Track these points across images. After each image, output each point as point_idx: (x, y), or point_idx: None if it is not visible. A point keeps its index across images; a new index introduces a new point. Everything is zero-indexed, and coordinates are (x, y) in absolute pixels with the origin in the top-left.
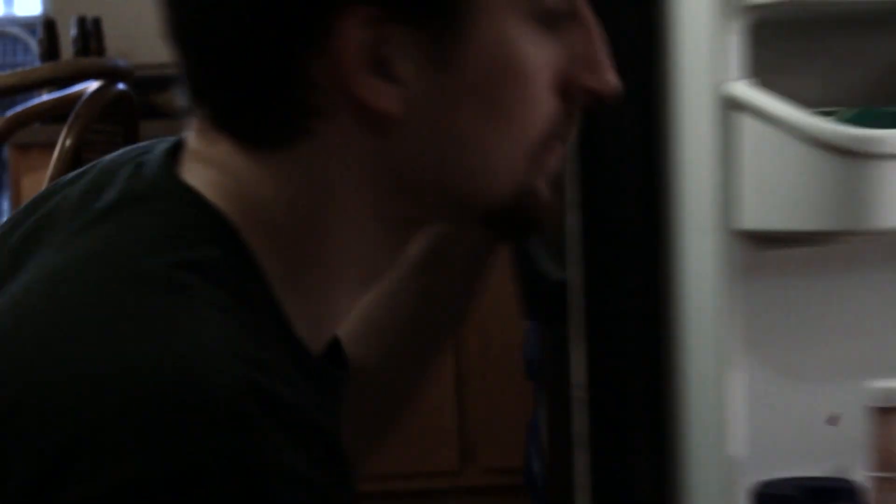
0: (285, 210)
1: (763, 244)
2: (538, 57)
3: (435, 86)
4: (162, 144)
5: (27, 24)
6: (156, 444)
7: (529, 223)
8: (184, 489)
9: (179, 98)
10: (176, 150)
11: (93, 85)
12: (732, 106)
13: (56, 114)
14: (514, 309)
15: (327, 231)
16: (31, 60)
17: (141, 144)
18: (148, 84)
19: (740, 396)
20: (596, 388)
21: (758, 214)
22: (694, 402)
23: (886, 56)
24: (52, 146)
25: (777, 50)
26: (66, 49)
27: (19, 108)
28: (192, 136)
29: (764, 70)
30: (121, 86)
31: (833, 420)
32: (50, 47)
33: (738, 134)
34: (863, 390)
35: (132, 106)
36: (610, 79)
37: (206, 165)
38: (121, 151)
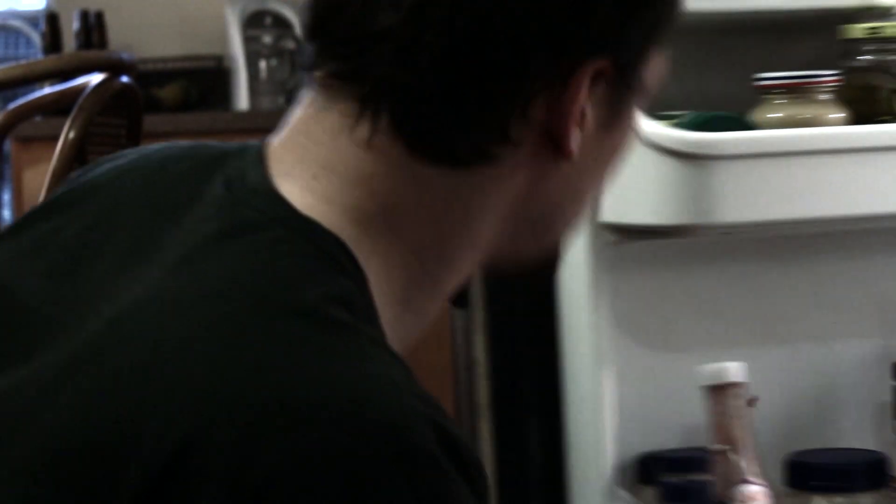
0: (424, 228)
1: (627, 237)
2: None
3: (596, 141)
4: (246, 150)
5: (30, 17)
6: (356, 484)
7: (553, 264)
8: None
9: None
10: (262, 156)
11: (96, 78)
12: None
13: (59, 107)
14: None
15: (452, 255)
16: (34, 54)
17: (208, 144)
18: (150, 78)
19: (612, 375)
20: (495, 364)
21: (616, 209)
22: (574, 381)
23: (742, 62)
24: (54, 139)
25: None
26: (69, 43)
27: (21, 101)
28: (314, 138)
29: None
30: (124, 79)
31: (752, 401)
32: (53, 41)
33: None
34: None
35: (136, 99)
36: None
37: (335, 178)
38: (182, 147)
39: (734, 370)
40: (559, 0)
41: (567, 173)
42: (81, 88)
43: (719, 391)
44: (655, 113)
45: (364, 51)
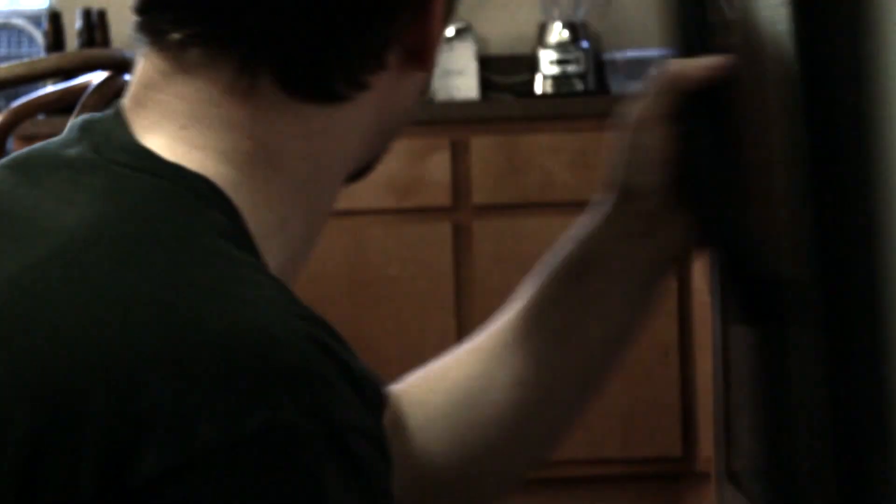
0: (299, 160)
1: None
2: None
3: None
4: (107, 115)
5: (32, 16)
6: (242, 402)
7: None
8: (272, 447)
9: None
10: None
11: (99, 76)
12: None
13: (61, 105)
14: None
15: (330, 178)
16: (37, 52)
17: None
18: None
19: None
20: (834, 410)
21: None
22: None
23: None
24: None
25: None
26: (71, 41)
27: (24, 100)
28: (173, 91)
29: None
30: (127, 77)
31: None
32: (55, 39)
33: None
34: None
35: None
36: None
37: (203, 126)
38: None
39: None
40: None
41: (417, 80)
42: (84, 87)
43: None
44: None
45: (226, 11)
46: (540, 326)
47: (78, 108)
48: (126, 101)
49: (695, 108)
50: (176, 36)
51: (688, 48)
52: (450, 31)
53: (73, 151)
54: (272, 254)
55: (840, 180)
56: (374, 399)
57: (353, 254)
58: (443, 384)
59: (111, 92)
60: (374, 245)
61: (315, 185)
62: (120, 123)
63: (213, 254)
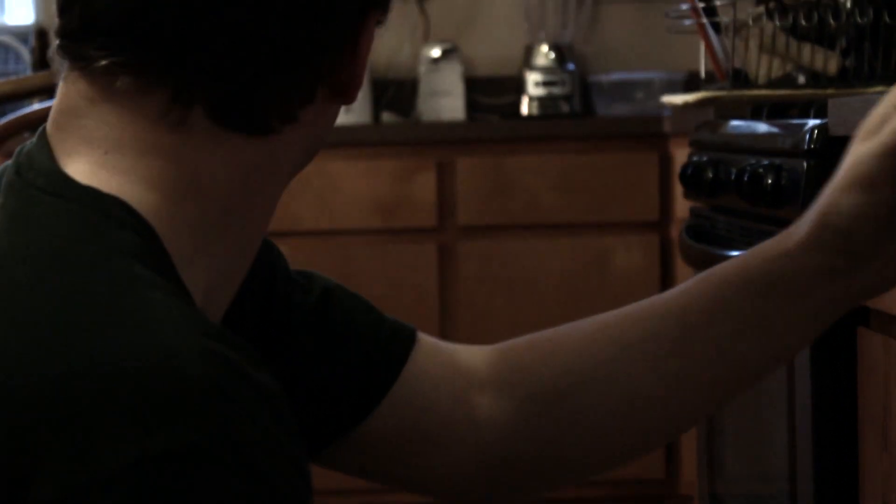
0: (227, 187)
1: None
2: None
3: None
4: (36, 138)
5: (19, 32)
6: (143, 426)
7: None
8: (176, 466)
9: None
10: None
11: None
12: None
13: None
14: None
15: (258, 209)
16: (23, 69)
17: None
18: None
19: None
20: None
21: None
22: None
23: None
24: None
25: None
26: None
27: (10, 117)
28: (96, 116)
29: None
30: None
31: None
32: (42, 56)
33: None
34: None
35: None
36: None
37: (130, 153)
38: None
39: None
40: None
41: (337, 109)
42: None
43: None
44: None
45: (160, 42)
46: (700, 330)
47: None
48: (49, 125)
49: None
50: (104, 63)
51: None
52: (436, 52)
53: (5, 176)
54: (196, 279)
55: None
56: (286, 414)
57: (338, 273)
58: (560, 359)
59: None
60: (359, 265)
61: (241, 214)
62: (42, 147)
63: (114, 274)
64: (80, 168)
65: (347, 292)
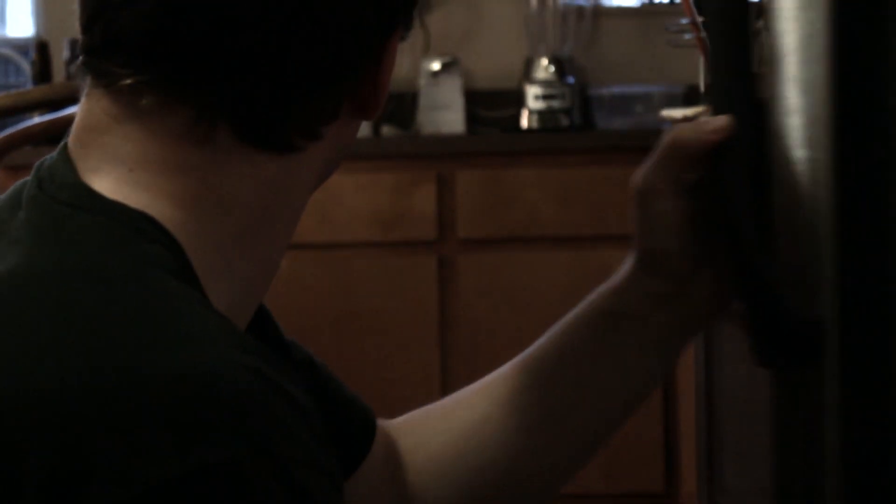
0: (257, 206)
1: None
2: None
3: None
4: (55, 154)
5: (19, 45)
6: (185, 441)
7: None
8: (218, 482)
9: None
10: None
11: None
12: None
13: (48, 136)
14: None
15: (282, 221)
16: (24, 82)
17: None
18: None
19: None
20: (853, 438)
21: None
22: None
23: None
24: None
25: None
26: (59, 71)
27: (11, 131)
28: (122, 134)
29: None
30: None
31: None
32: (42, 69)
33: None
34: None
35: None
36: None
37: (154, 169)
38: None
39: None
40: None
41: (357, 124)
42: (71, 118)
43: None
44: None
45: (184, 59)
46: (556, 376)
47: (65, 139)
48: (71, 141)
49: (716, 163)
50: (128, 81)
51: (727, 98)
52: (436, 66)
53: (24, 191)
54: (219, 296)
55: (862, 221)
56: (320, 429)
57: (338, 286)
58: (445, 424)
59: None
60: (359, 277)
61: (265, 230)
62: (64, 163)
63: (149, 288)
64: (105, 184)
65: (324, 364)
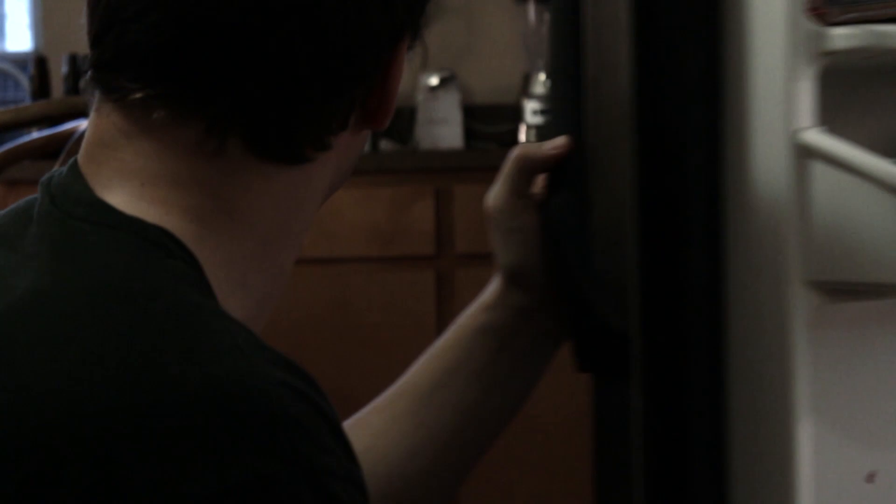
0: (261, 218)
1: (836, 296)
2: None
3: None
4: (64, 170)
5: (18, 60)
6: (222, 457)
7: None
8: (257, 497)
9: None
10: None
11: (84, 123)
12: (805, 153)
13: (47, 151)
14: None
15: (295, 235)
16: (22, 97)
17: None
18: None
19: (806, 454)
20: (654, 445)
21: (830, 265)
22: (759, 462)
23: None
24: None
25: (849, 96)
26: (57, 86)
27: (9, 146)
28: (133, 149)
29: (835, 116)
30: None
31: (870, 478)
32: (41, 84)
33: (810, 182)
34: None
35: None
36: None
37: (165, 184)
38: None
39: None
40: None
41: (366, 134)
42: (70, 133)
43: None
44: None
45: (194, 73)
46: (431, 399)
47: (63, 154)
48: (81, 157)
49: (551, 182)
50: (139, 95)
51: (563, 110)
52: (434, 80)
53: (34, 207)
54: (234, 309)
55: (670, 241)
56: (348, 441)
57: (336, 301)
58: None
59: None
60: (357, 292)
61: (278, 242)
62: (76, 178)
63: (178, 303)
64: (118, 200)
65: None
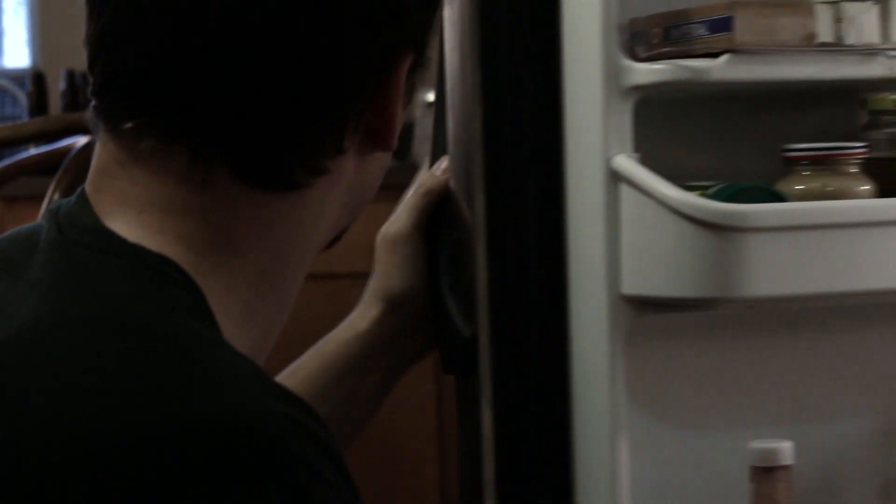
0: (258, 248)
1: (646, 309)
2: None
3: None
4: (72, 199)
5: (16, 76)
6: (224, 490)
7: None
8: None
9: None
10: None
11: (81, 140)
12: (615, 178)
13: (44, 167)
14: None
15: (295, 265)
16: (20, 112)
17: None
18: None
19: (626, 450)
20: (501, 440)
21: (637, 281)
22: (588, 457)
23: (761, 133)
24: (39, 198)
25: (661, 126)
26: (55, 102)
27: (7, 162)
28: (129, 177)
29: (652, 145)
30: None
31: None
32: (39, 100)
33: (620, 205)
34: (744, 450)
35: None
36: None
37: (160, 212)
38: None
39: (786, 451)
40: (366, 5)
41: (380, 158)
42: (67, 150)
43: (768, 473)
44: (683, 183)
45: (177, 101)
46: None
47: (60, 171)
48: (87, 186)
49: (434, 214)
50: (129, 125)
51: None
52: (431, 97)
53: (39, 235)
54: (235, 338)
55: (509, 254)
56: (349, 472)
57: (331, 317)
58: None
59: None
60: (353, 308)
61: (278, 270)
62: (83, 206)
63: (179, 335)
64: (119, 228)
65: None
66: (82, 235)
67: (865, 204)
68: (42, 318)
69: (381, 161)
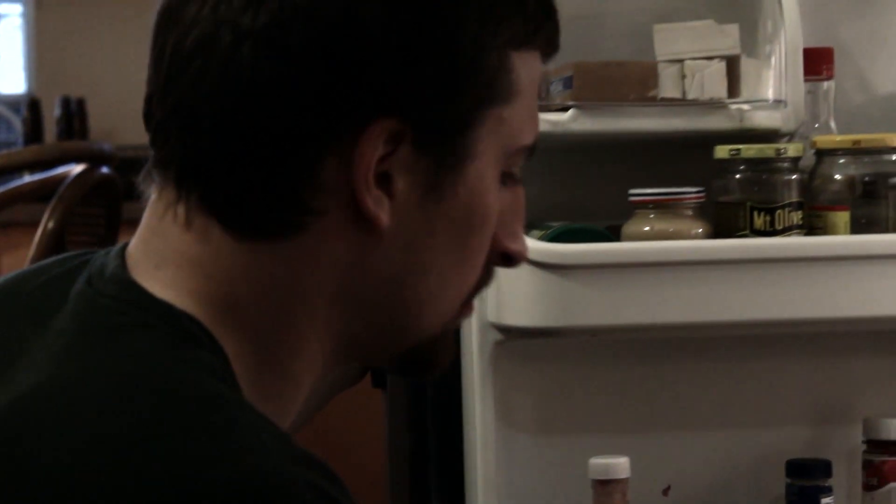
0: (258, 307)
1: (510, 335)
2: (497, 211)
3: (420, 210)
4: (112, 249)
5: (11, 102)
6: None
7: (432, 365)
8: None
9: (143, 183)
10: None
11: (76, 168)
12: None
13: (39, 195)
14: None
15: (296, 340)
16: (15, 138)
17: (85, 252)
18: (131, 164)
19: (498, 464)
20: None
21: (499, 311)
22: (471, 468)
23: (623, 177)
24: (34, 225)
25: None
26: (50, 128)
27: (1, 189)
28: (151, 230)
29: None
30: (104, 169)
31: (666, 491)
32: (34, 126)
33: None
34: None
35: (116, 189)
36: (524, 248)
37: (172, 266)
38: (58, 258)
39: (621, 466)
40: (329, 60)
41: (393, 246)
42: (62, 178)
43: (606, 486)
44: (538, 224)
45: (165, 135)
46: None
47: (55, 198)
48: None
49: None
50: (141, 176)
51: None
52: None
53: (72, 286)
54: (256, 401)
55: None
56: None
57: None
58: None
59: (88, 184)
60: None
61: (277, 336)
62: (117, 256)
63: (206, 396)
64: (142, 281)
65: None
66: (107, 286)
67: (670, 245)
68: (67, 374)
69: (394, 253)
